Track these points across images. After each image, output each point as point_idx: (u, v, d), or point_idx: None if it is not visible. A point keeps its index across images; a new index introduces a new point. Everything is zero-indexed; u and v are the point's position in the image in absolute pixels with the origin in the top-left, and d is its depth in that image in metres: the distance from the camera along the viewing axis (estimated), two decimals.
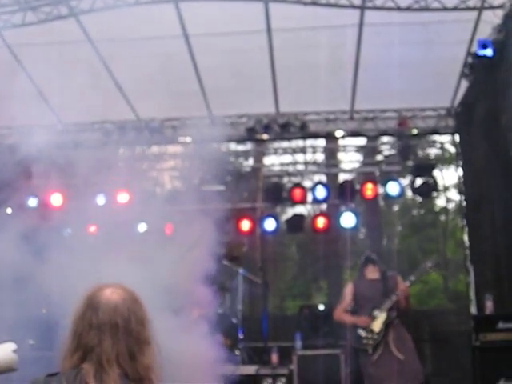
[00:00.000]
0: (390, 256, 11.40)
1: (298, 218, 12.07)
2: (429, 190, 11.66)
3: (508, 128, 8.39)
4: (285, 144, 12.14)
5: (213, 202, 8.22)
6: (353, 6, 8.79)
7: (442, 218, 20.84)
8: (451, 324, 11.24)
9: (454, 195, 19.10)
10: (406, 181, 13.79)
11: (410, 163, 11.95)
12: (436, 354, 10.64)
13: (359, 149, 13.23)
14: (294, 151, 12.21)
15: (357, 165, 13.53)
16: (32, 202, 11.16)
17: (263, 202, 11.50)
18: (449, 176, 18.75)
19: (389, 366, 7.22)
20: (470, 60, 9.22)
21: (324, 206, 13.80)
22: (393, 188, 11.16)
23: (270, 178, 11.83)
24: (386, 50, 9.53)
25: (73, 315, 2.66)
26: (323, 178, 12.55)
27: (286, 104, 11.08)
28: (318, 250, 13.55)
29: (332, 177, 12.89)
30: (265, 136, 11.30)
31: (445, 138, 12.45)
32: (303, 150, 12.36)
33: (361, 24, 9.25)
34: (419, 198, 18.33)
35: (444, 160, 16.93)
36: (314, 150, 12.59)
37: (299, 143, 12.18)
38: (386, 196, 11.54)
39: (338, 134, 11.65)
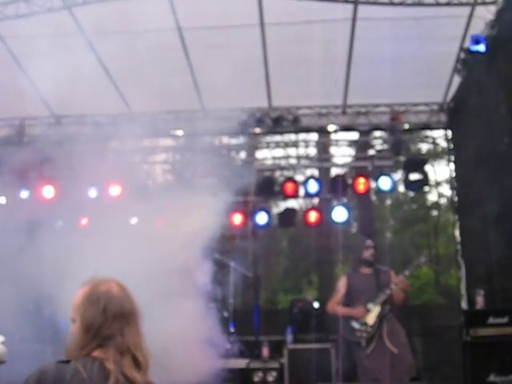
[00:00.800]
0: (382, 250, 11.41)
1: (289, 212, 12.08)
2: (421, 184, 11.69)
3: (500, 124, 8.41)
4: (277, 138, 12.14)
5: (205, 196, 8.19)
6: (346, 1, 8.81)
7: (434, 213, 20.92)
8: (442, 319, 11.28)
9: (446, 190, 19.19)
10: (398, 175, 13.83)
11: (402, 158, 11.97)
12: (427, 349, 10.67)
13: (351, 143, 13.25)
14: (286, 145, 12.21)
15: (349, 159, 13.54)
16: (24, 194, 11.14)
17: (255, 196, 11.48)
18: (440, 171, 18.85)
19: (382, 359, 7.24)
20: (462, 55, 9.22)
21: (316, 201, 13.83)
22: (385, 183, 11.17)
23: (262, 171, 11.82)
24: (378, 45, 9.53)
25: (81, 309, 2.81)
26: (315, 173, 12.55)
27: (278, 98, 11.08)
28: (310, 245, 13.59)
29: (324, 171, 12.90)
30: (257, 130, 11.30)
31: (437, 134, 12.46)
32: (295, 144, 12.37)
33: (354, 18, 9.25)
34: (411, 193, 18.41)
35: (436, 155, 17.00)
36: (307, 144, 12.60)
37: (291, 137, 12.20)
38: (378, 191, 11.55)
39: (331, 128, 11.65)
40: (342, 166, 12.89)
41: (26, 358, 8.63)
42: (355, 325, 7.56)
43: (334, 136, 12.44)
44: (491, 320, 7.61)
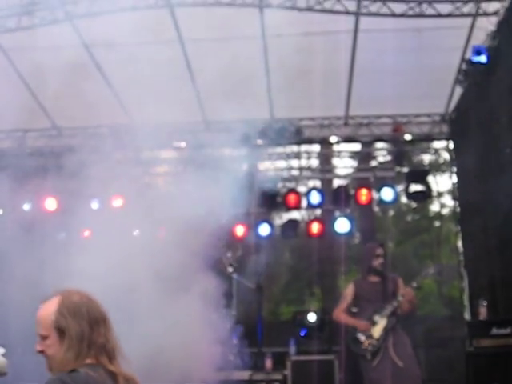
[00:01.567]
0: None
1: (292, 223, 12.07)
2: (423, 195, 11.68)
3: (502, 135, 8.41)
4: (279, 149, 12.14)
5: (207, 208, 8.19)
6: (347, 12, 8.82)
7: (436, 223, 20.86)
8: (445, 329, 11.24)
9: (448, 201, 19.15)
10: (400, 187, 13.81)
11: (405, 169, 11.97)
12: (430, 360, 10.63)
13: (354, 154, 13.24)
14: (288, 157, 12.21)
15: (351, 170, 13.54)
16: (26, 207, 11.15)
17: (257, 208, 11.48)
18: (443, 182, 18.81)
19: (388, 371, 7.21)
20: (464, 66, 9.24)
21: (318, 212, 13.81)
22: (387, 194, 11.17)
23: (264, 183, 11.81)
24: (380, 56, 9.55)
25: (63, 322, 2.72)
26: (318, 184, 12.55)
27: (280, 109, 11.09)
28: (312, 256, 13.55)
29: (326, 182, 12.90)
30: (259, 141, 11.30)
31: (439, 144, 12.47)
32: (298, 156, 12.36)
33: (355, 30, 9.27)
34: (413, 204, 18.37)
35: (438, 166, 16.98)
36: (309, 155, 12.59)
37: (294, 149, 12.18)
38: (381, 202, 11.54)
39: (333, 139, 11.67)
40: (345, 177, 12.87)
41: (28, 370, 8.64)
42: (361, 337, 7.53)
43: (336, 147, 12.43)
44: (494, 331, 7.58)
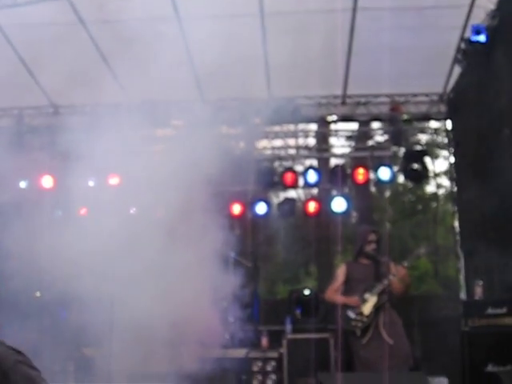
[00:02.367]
0: (381, 241, 11.37)
1: (289, 202, 12.06)
2: (420, 175, 11.66)
3: (500, 115, 8.39)
4: (276, 128, 12.10)
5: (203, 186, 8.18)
6: None
7: (433, 204, 20.91)
8: (441, 309, 11.26)
9: (445, 181, 19.20)
10: (397, 166, 13.80)
11: (402, 149, 11.96)
12: (425, 339, 10.68)
13: (351, 134, 13.23)
14: (285, 135, 12.17)
15: (348, 150, 13.53)
16: (23, 184, 11.13)
17: (254, 186, 11.46)
18: (440, 162, 18.85)
19: (378, 349, 7.25)
20: (463, 46, 9.20)
21: (315, 191, 13.80)
22: (384, 173, 11.15)
23: (261, 161, 11.80)
24: (378, 35, 9.51)
25: None
26: (315, 163, 12.52)
27: (278, 88, 11.05)
28: (309, 235, 13.58)
29: (323, 161, 12.87)
30: (256, 120, 11.26)
31: (436, 124, 12.46)
32: (295, 135, 12.33)
33: (354, 8, 9.22)
34: (410, 184, 18.39)
35: (435, 146, 16.98)
36: (306, 134, 12.57)
37: (291, 127, 12.15)
38: (378, 181, 11.52)
39: (330, 118, 11.65)
40: (342, 156, 12.86)
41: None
42: (351, 314, 7.57)
43: (333, 126, 12.41)
44: (490, 310, 7.62)
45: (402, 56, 9.66)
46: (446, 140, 12.30)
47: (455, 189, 11.75)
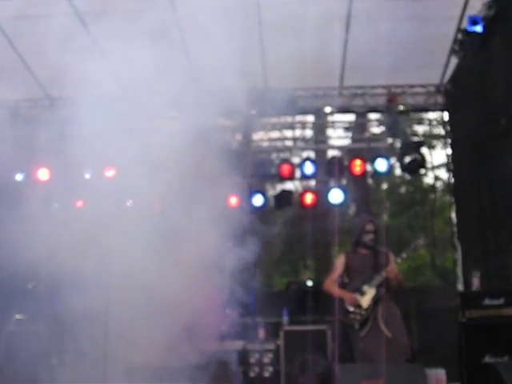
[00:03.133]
0: (379, 233, 11.37)
1: (286, 193, 12.04)
2: (417, 167, 11.64)
3: (497, 105, 8.38)
4: (273, 120, 12.07)
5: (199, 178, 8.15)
6: None
7: (431, 195, 20.92)
8: (438, 301, 11.28)
9: (442, 173, 19.21)
10: (394, 158, 13.78)
11: (399, 140, 11.93)
12: (422, 331, 10.68)
13: (348, 125, 13.20)
14: (282, 127, 12.14)
15: (345, 141, 13.49)
16: (19, 177, 11.11)
17: (251, 178, 11.44)
18: (437, 154, 18.84)
19: (377, 341, 7.22)
20: (459, 36, 9.18)
21: (312, 183, 13.78)
22: (381, 164, 11.14)
23: (258, 153, 11.77)
24: (375, 26, 9.48)
25: None
26: (311, 154, 12.49)
27: (274, 79, 11.01)
28: (306, 227, 13.55)
29: (320, 153, 12.85)
30: (253, 111, 11.23)
31: (433, 115, 12.45)
32: (292, 126, 12.30)
33: None
34: (407, 176, 18.38)
35: (432, 137, 16.96)
36: (303, 125, 12.54)
37: (288, 119, 12.12)
38: (375, 172, 11.51)
39: (327, 110, 11.62)
40: (339, 148, 12.83)
41: (22, 339, 8.67)
42: (349, 307, 7.54)
43: (330, 118, 12.39)
44: (487, 301, 7.61)
45: (398, 47, 9.63)
46: (442, 131, 12.29)
47: (452, 180, 11.74)
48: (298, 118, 12.32)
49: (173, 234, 7.51)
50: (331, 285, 7.85)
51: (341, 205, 11.40)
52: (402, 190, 21.65)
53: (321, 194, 11.48)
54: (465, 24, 8.87)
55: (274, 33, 9.83)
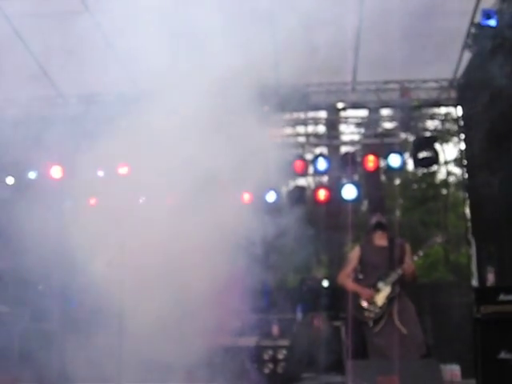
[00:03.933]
0: (392, 229, 11.35)
1: (298, 190, 12.01)
2: (430, 161, 11.59)
3: (510, 100, 8.33)
4: (286, 116, 12.05)
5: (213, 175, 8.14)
6: None
7: (444, 191, 20.83)
8: (452, 296, 11.24)
9: (455, 168, 19.12)
10: (407, 154, 13.73)
11: (412, 136, 11.89)
12: (437, 327, 10.65)
13: (361, 120, 13.15)
14: (295, 123, 12.12)
15: (358, 137, 13.44)
16: (32, 175, 11.16)
17: (264, 174, 11.40)
18: (450, 149, 18.74)
19: (392, 336, 7.20)
20: (473, 30, 9.12)
21: (325, 179, 13.75)
22: (394, 160, 11.11)
23: (271, 150, 11.73)
24: (388, 20, 9.42)
25: None
26: (324, 151, 12.47)
27: (287, 75, 10.98)
28: (319, 223, 13.52)
29: (333, 149, 12.81)
30: (265, 108, 11.19)
31: (446, 110, 12.37)
32: (304, 122, 12.27)
33: None
34: (420, 172, 18.32)
35: (446, 132, 16.88)
36: (316, 121, 12.51)
37: (300, 115, 12.09)
38: (388, 168, 11.48)
39: (340, 105, 11.59)
40: (352, 143, 12.79)
41: (35, 337, 8.70)
42: (364, 304, 7.51)
43: (343, 113, 12.35)
44: (502, 297, 7.57)
45: (411, 42, 9.58)
46: (455, 126, 12.24)
47: (466, 175, 11.69)
48: (311, 113, 12.29)
49: (185, 230, 7.50)
50: (345, 279, 7.80)
51: (354, 201, 11.38)
52: (415, 186, 21.58)
53: (334, 190, 11.46)
54: (478, 18, 8.81)
55: (285, 26, 9.79)
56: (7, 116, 11.39)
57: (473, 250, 10.97)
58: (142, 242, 7.21)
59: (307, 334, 9.27)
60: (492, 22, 8.38)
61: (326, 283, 10.51)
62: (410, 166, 14.83)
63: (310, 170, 11.50)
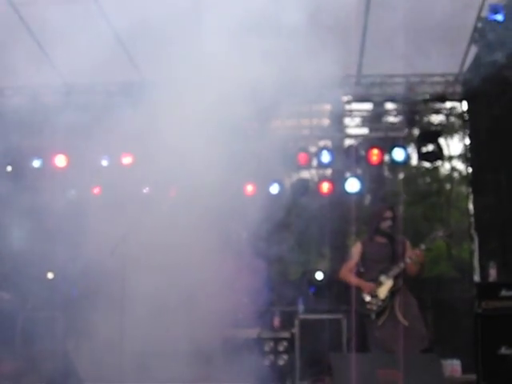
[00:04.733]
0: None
1: (302, 182, 12.01)
2: (434, 156, 11.58)
3: None
4: (290, 108, 12.01)
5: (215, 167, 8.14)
6: None
7: (447, 186, 20.82)
8: (454, 291, 11.26)
9: (459, 164, 19.11)
10: (411, 147, 13.72)
11: (416, 130, 11.87)
12: (438, 321, 10.67)
13: (365, 114, 13.12)
14: (299, 115, 12.08)
15: (363, 130, 13.42)
16: (36, 163, 11.17)
17: (267, 166, 11.40)
18: (454, 144, 18.73)
19: (394, 330, 7.22)
20: (479, 25, 9.10)
21: (329, 172, 13.74)
22: (398, 154, 11.10)
23: (274, 142, 11.72)
24: (394, 14, 9.40)
25: None
26: (328, 143, 12.44)
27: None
28: (322, 216, 13.52)
29: (337, 142, 12.79)
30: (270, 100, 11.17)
31: (451, 105, 12.34)
32: (308, 115, 12.24)
33: None
34: (424, 167, 18.29)
35: (450, 127, 16.85)
36: (320, 114, 12.47)
37: (304, 107, 12.05)
38: (392, 162, 11.46)
39: (345, 98, 11.56)
40: (356, 137, 12.77)
41: (38, 325, 8.72)
42: (366, 297, 7.52)
43: (347, 107, 12.32)
44: (503, 292, 7.60)
45: (417, 35, 9.55)
46: (460, 121, 12.22)
47: (470, 171, 11.68)
48: (315, 106, 12.25)
49: (188, 221, 7.51)
50: (347, 273, 7.83)
51: (357, 194, 11.38)
52: (419, 180, 21.55)
53: (337, 183, 11.45)
54: (485, 12, 8.78)
55: (291, 19, 9.77)
56: (12, 104, 11.41)
57: (475, 246, 10.96)
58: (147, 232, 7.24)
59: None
60: (499, 17, 8.36)
61: (326, 276, 10.50)
62: (414, 160, 14.84)
63: (314, 162, 11.47)
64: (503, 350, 7.34)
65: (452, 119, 15.20)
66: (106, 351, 7.05)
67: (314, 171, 14.27)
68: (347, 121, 13.02)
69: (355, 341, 7.74)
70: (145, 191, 9.20)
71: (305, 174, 12.78)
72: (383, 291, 7.47)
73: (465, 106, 11.60)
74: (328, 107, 12.59)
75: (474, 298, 7.91)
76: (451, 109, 12.83)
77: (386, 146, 11.37)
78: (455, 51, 10.47)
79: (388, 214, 7.83)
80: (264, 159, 10.83)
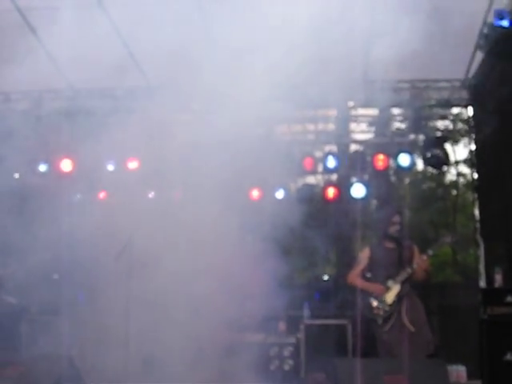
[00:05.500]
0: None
1: (307, 187, 12.00)
2: (440, 162, 11.56)
3: None
4: (296, 113, 12.02)
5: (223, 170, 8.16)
6: None
7: (453, 192, 20.81)
8: (460, 297, 11.23)
9: (465, 169, 19.09)
10: (417, 153, 13.71)
11: (422, 135, 11.86)
12: (444, 327, 10.64)
13: (371, 119, 13.11)
14: (304, 120, 12.09)
15: (368, 136, 13.41)
16: (42, 168, 11.19)
17: (273, 172, 11.41)
18: (460, 149, 18.72)
19: (400, 335, 7.22)
20: (485, 31, 9.09)
21: (334, 177, 13.73)
22: (404, 160, 11.09)
23: (280, 147, 11.73)
24: (399, 19, 9.40)
25: None
26: (334, 149, 12.45)
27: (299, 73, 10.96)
28: (328, 221, 13.52)
29: (343, 147, 12.79)
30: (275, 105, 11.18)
31: (456, 110, 12.35)
32: (314, 120, 12.24)
33: None
34: (430, 172, 18.29)
35: (456, 133, 16.84)
36: (325, 119, 12.48)
37: (310, 113, 12.06)
38: (398, 167, 11.47)
39: (350, 104, 11.56)
40: (361, 142, 12.76)
41: (43, 330, 8.74)
42: (373, 302, 7.53)
43: (353, 112, 12.32)
44: (509, 298, 7.58)
45: (423, 41, 9.54)
46: (466, 127, 12.20)
47: (475, 176, 11.66)
48: (321, 111, 12.26)
49: (194, 225, 7.52)
50: (355, 278, 7.84)
51: (363, 199, 11.37)
52: (425, 186, 21.54)
53: (343, 188, 11.45)
54: (491, 18, 8.77)
55: (296, 24, 9.78)
56: (18, 109, 11.43)
57: (481, 251, 10.94)
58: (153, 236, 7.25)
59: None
60: (505, 23, 8.34)
61: (331, 279, 10.49)
62: (420, 165, 14.83)
63: (320, 168, 11.47)
64: (509, 356, 7.32)
65: (458, 125, 15.19)
66: (112, 354, 7.06)
67: (319, 176, 14.27)
68: (353, 126, 13.03)
69: (360, 346, 7.75)
70: (150, 196, 9.22)
71: (310, 180, 12.79)
72: (390, 296, 7.48)
73: (470, 111, 11.59)
74: (334, 112, 12.60)
75: (479, 303, 7.89)
76: (457, 114, 12.84)
77: (392, 151, 11.36)
78: (461, 57, 10.45)
79: (396, 218, 7.84)
80: (270, 164, 10.87)
